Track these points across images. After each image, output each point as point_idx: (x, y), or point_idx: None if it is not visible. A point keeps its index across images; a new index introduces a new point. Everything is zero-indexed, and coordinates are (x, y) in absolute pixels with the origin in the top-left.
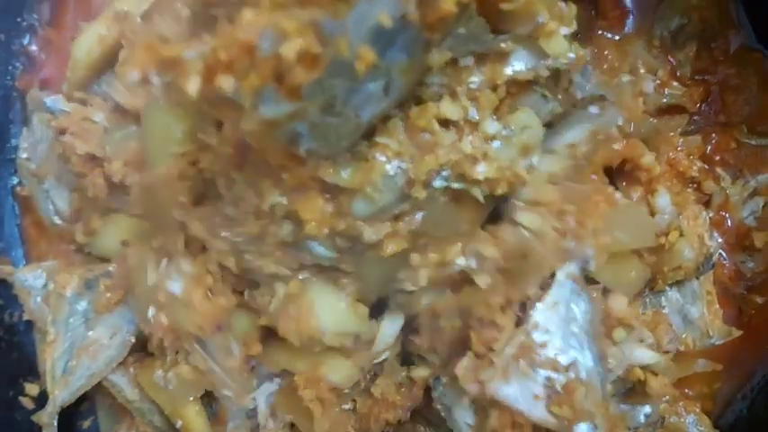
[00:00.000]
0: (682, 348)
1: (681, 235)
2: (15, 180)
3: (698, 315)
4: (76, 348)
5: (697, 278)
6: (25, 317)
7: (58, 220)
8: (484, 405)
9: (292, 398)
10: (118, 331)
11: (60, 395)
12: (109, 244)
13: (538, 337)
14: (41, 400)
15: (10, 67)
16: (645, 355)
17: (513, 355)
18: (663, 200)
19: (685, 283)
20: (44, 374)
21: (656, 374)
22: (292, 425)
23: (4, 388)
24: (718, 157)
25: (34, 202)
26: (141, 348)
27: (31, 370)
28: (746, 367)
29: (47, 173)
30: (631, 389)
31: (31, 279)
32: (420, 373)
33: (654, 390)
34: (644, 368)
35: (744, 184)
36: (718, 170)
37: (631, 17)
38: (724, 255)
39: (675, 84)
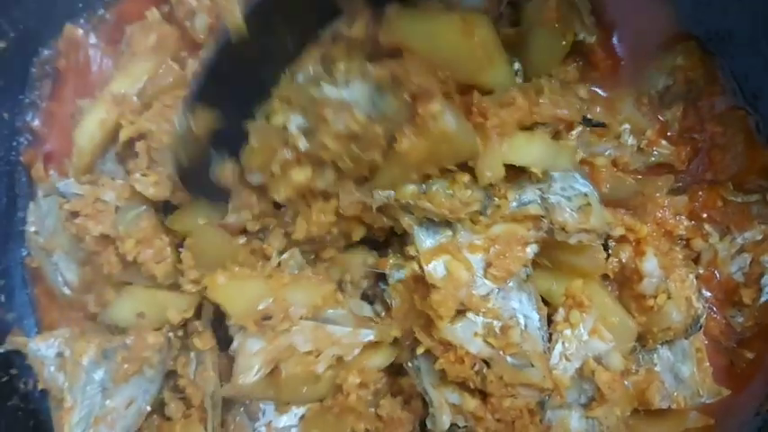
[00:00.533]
0: (674, 406)
1: (669, 298)
2: (24, 252)
3: (688, 374)
4: (94, 416)
5: (686, 338)
6: (40, 386)
7: (67, 291)
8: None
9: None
10: (134, 400)
11: None
12: (123, 315)
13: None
14: None
15: (14, 143)
16: (598, 345)
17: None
18: (650, 264)
19: (675, 341)
20: None
21: (607, 370)
22: None
23: None
24: (705, 215)
25: (44, 273)
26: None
27: None
28: (739, 419)
29: (55, 247)
30: (592, 398)
31: (43, 349)
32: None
33: (603, 383)
34: (597, 361)
35: (731, 240)
36: (706, 227)
37: (623, 68)
38: (714, 309)
39: (664, 142)
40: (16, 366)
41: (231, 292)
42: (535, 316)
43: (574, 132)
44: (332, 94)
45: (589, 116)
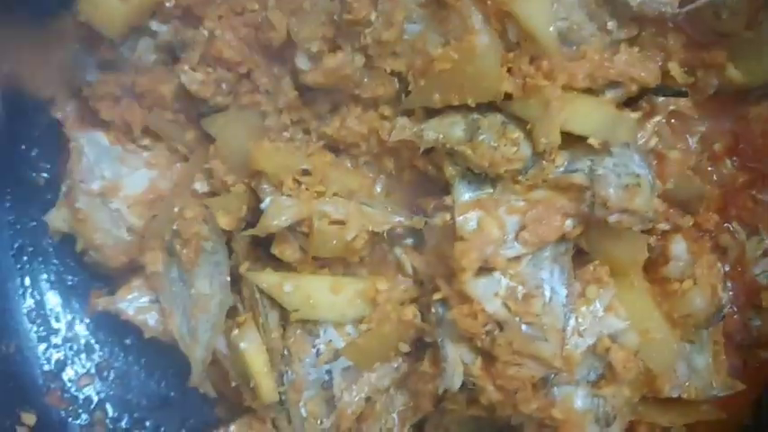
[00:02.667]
0: (684, 396)
1: (694, 283)
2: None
3: (704, 365)
4: (189, 309)
5: (706, 328)
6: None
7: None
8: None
9: None
10: (213, 276)
11: (198, 355)
12: None
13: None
14: (38, 428)
15: None
16: (615, 322)
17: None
18: (679, 247)
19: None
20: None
21: (622, 348)
22: (368, 398)
23: (1, 418)
24: (734, 213)
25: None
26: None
27: (27, 400)
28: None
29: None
30: (602, 376)
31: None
32: None
33: (617, 362)
34: (612, 339)
35: (759, 241)
36: (734, 225)
37: None
38: (734, 308)
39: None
40: None
41: (273, 155)
42: (563, 291)
43: (653, 121)
44: None
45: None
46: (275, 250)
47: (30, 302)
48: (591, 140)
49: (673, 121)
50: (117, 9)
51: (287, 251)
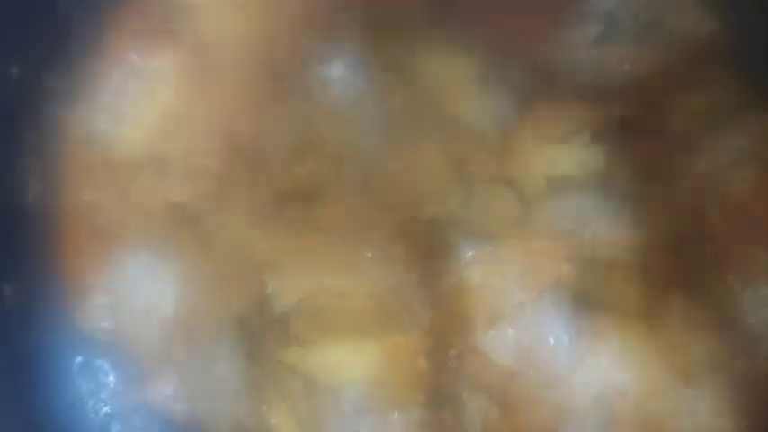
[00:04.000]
0: None
1: None
2: None
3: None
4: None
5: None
6: None
7: None
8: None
9: None
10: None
11: None
12: None
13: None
14: None
15: None
16: (619, 376)
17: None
18: None
19: None
20: None
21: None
22: None
23: None
24: None
25: None
26: None
27: None
28: None
29: None
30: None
31: None
32: None
33: (620, 413)
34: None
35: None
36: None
37: None
38: None
39: None
40: None
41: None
42: (565, 338)
43: None
44: None
45: None
46: (292, 327)
47: None
48: (570, 182)
49: None
50: None
51: (301, 327)
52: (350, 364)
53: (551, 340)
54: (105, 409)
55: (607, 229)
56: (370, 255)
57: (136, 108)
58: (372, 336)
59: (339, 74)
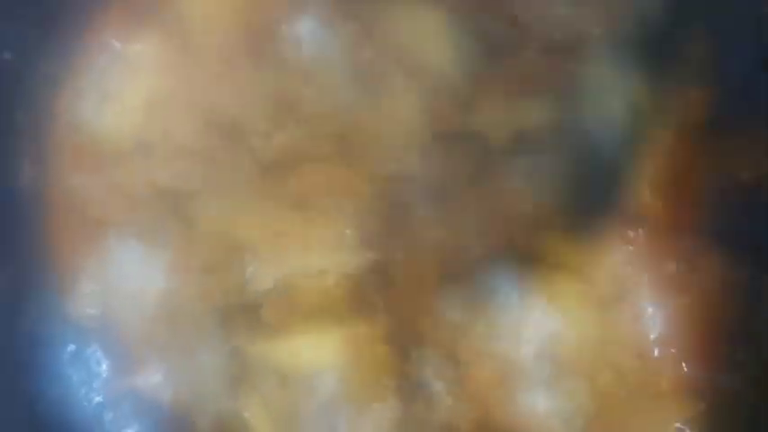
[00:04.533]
0: None
1: None
2: None
3: None
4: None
5: None
6: None
7: None
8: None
9: None
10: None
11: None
12: None
13: None
14: None
15: None
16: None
17: None
18: None
19: None
20: None
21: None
22: None
23: None
24: None
25: None
26: None
27: None
28: None
29: None
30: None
31: None
32: None
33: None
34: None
35: None
36: None
37: None
38: None
39: None
40: None
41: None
42: (514, 294)
43: None
44: None
45: None
46: (264, 315)
47: None
48: None
49: None
50: None
51: (275, 313)
52: (321, 354)
53: (500, 298)
54: (98, 399)
55: None
56: (348, 232)
57: (121, 92)
58: (342, 322)
59: (309, 31)
